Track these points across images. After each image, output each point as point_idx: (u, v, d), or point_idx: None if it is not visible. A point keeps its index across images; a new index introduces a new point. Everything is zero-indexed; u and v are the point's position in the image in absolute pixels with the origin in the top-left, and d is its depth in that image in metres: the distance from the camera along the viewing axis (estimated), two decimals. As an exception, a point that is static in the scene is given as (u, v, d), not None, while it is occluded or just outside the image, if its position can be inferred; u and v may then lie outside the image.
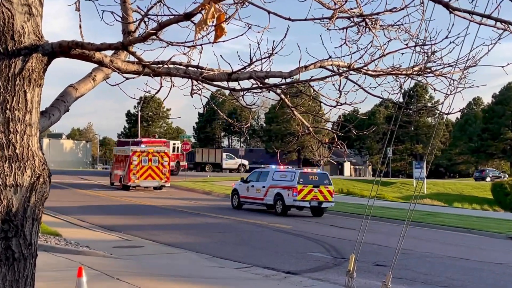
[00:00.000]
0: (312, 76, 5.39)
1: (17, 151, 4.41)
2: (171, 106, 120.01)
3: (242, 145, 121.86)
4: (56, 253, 15.08)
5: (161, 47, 5.15)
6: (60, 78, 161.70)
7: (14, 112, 4.41)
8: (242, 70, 5.24)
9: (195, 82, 5.36)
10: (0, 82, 4.36)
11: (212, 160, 76.97)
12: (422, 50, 6.15)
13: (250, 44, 5.15)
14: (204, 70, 5.12)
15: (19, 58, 4.43)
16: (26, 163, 4.45)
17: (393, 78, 6.20)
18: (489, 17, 4.92)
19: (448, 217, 32.92)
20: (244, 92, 5.43)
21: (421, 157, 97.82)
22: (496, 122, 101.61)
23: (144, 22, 4.47)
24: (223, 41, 4.62)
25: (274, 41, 5.12)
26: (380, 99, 6.39)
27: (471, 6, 5.17)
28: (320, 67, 5.77)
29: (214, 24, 4.41)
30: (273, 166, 33.76)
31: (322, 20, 5.29)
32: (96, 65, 5.17)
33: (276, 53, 5.15)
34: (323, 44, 5.74)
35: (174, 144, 65.89)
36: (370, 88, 5.93)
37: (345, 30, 5.58)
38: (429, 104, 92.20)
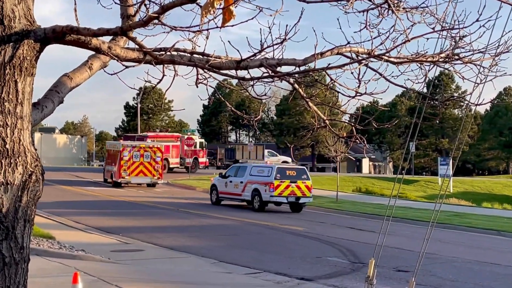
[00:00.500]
0: (328, 64, 5.36)
1: (7, 146, 4.41)
2: (173, 97, 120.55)
3: (251, 140, 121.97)
4: (49, 258, 15.15)
5: (164, 32, 5.14)
6: (54, 67, 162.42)
7: (4, 103, 4.41)
8: (252, 58, 5.22)
9: (200, 71, 5.35)
10: (-12, 71, 4.37)
11: (253, 157, 77.58)
12: (449, 35, 6.11)
13: (260, 29, 5.13)
14: (210, 58, 5.11)
15: (9, 45, 4.43)
16: (17, 160, 4.45)
17: (417, 65, 6.17)
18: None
19: (476, 218, 32.83)
20: (254, 82, 5.42)
21: (447, 153, 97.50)
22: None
23: (145, 5, 4.47)
24: (232, 26, 4.61)
25: (287, 25, 5.10)
26: (403, 89, 6.36)
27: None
28: (338, 54, 5.74)
29: (221, 6, 4.41)
30: (251, 161, 34.77)
31: (339, 2, 5.26)
32: (93, 53, 5.17)
33: (289, 38, 5.13)
34: (340, 28, 5.72)
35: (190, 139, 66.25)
36: (392, 76, 5.90)
37: (365, 13, 5.55)
38: (455, 95, 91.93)
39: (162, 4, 4.38)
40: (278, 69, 5.39)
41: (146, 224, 24.79)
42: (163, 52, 4.87)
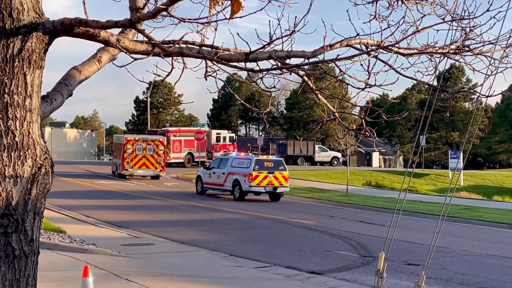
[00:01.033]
0: (338, 55, 5.34)
1: (16, 139, 4.42)
2: (183, 91, 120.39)
3: (260, 133, 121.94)
4: (60, 252, 15.21)
5: (172, 24, 5.13)
6: (63, 61, 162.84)
7: (13, 96, 4.41)
8: (261, 50, 5.21)
9: (209, 63, 5.34)
10: (-3, 64, 4.37)
11: (304, 153, 78.18)
12: (459, 26, 6.07)
13: (269, 21, 5.12)
14: (219, 50, 5.10)
15: (17, 38, 4.43)
16: (27, 152, 4.46)
17: (427, 57, 6.13)
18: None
19: (487, 211, 32.72)
20: (263, 74, 5.40)
21: (457, 146, 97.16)
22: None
23: (154, -3, 4.46)
24: (240, 17, 4.60)
25: (296, 17, 5.08)
26: (413, 82, 6.32)
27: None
28: (347, 45, 5.72)
29: (230, -2, 4.39)
30: (233, 153, 38.52)
31: (349, -7, 5.24)
32: (102, 45, 5.16)
33: (298, 30, 5.12)
34: (350, 20, 5.70)
35: (218, 134, 66.66)
36: (402, 68, 5.87)
37: (374, 4, 5.53)
38: (466, 88, 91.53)
39: (171, -4, 4.36)
40: (287, 61, 5.37)
41: (156, 218, 24.86)
42: (172, 45, 4.86)
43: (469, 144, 57.35)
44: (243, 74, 74.80)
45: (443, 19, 5.90)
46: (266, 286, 13.08)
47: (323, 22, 5.48)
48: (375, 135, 6.81)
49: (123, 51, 4.83)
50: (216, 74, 5.52)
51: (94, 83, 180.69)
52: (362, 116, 6.73)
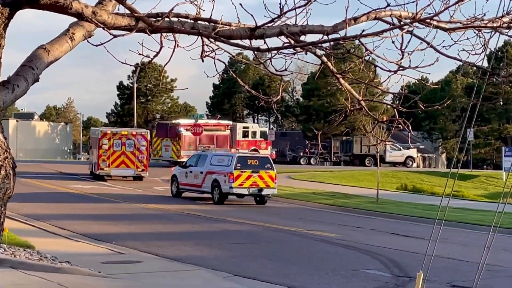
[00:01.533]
0: (363, 31, 5.29)
1: (-30, 134, 4.41)
2: (176, 75, 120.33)
3: (272, 127, 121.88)
4: (27, 271, 15.22)
5: (160, -7, 5.12)
6: (27, 39, 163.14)
7: (-35, 82, 4.41)
8: (269, 24, 5.19)
9: (206, 41, 5.32)
10: None
11: (373, 152, 78.78)
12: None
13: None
14: (218, 25, 5.08)
15: (-29, 11, 4.42)
16: (-17, 151, 4.45)
17: (475, 32, 6.10)
18: None
19: (550, 221, 32.57)
20: (273, 54, 5.37)
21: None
22: None
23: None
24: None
25: (312, -17, 5.06)
26: (458, 62, 6.29)
27: None
28: (375, 18, 5.70)
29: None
30: (213, 150, 39.41)
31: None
32: (75, 19, 5.15)
33: (315, 0, 5.10)
34: (378, -13, 5.67)
35: (245, 128, 66.93)
36: (443, 47, 5.84)
37: (408, -33, 5.49)
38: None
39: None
40: (302, 38, 5.35)
41: (144, 230, 24.89)
42: (160, 18, 4.84)
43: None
44: (249, 53, 74.80)
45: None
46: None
47: (346, -11, 5.46)
48: (410, 128, 6.79)
49: (100, 27, 4.82)
50: (215, 54, 5.51)
51: (68, 66, 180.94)
52: (394, 105, 6.70)
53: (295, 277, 16.71)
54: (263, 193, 35.00)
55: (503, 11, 6.07)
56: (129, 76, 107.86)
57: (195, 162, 37.64)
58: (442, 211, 9.49)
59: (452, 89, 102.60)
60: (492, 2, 6.06)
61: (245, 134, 65.39)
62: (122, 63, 5.53)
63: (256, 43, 5.30)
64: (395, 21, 5.71)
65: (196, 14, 5.26)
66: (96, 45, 4.99)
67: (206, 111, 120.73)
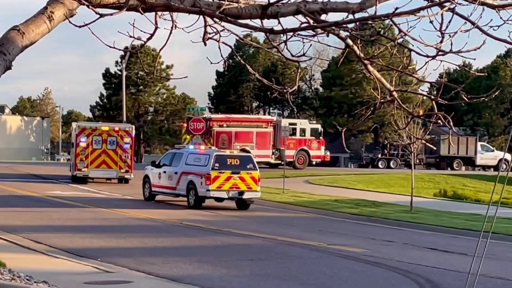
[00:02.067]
0: (396, 9, 5.26)
1: None
2: (173, 61, 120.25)
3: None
4: (-4, 293, 15.28)
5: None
6: (1, 19, 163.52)
7: None
8: (284, 1, 5.16)
9: (210, 21, 5.30)
10: None
11: (462, 153, 79.37)
12: None
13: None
14: (223, 1, 5.05)
15: None
16: None
17: (528, 10, 6.08)
18: None
19: None
20: (288, 36, 5.35)
21: None
22: None
23: None
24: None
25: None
26: (507, 45, 6.27)
27: None
28: (410, -6, 5.68)
29: None
30: (191, 147, 40.80)
31: None
32: (54, -4, 5.15)
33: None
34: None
35: (292, 124, 67.07)
36: (491, 27, 5.81)
37: None
38: None
39: None
40: (323, 17, 5.33)
41: (135, 244, 24.89)
42: (155, -6, 4.84)
43: None
44: (261, 36, 74.57)
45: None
46: None
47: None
48: (451, 123, 6.77)
49: (84, 4, 4.81)
50: (220, 36, 5.50)
51: (44, 51, 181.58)
52: (432, 97, 6.69)
53: (314, 300, 16.74)
54: (244, 196, 35.97)
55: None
56: (117, 63, 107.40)
57: (170, 161, 38.77)
58: (489, 221, 9.45)
59: (500, 77, 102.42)
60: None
61: (292, 132, 65.80)
62: (110, 47, 5.52)
63: (269, 23, 5.28)
64: (434, -3, 5.69)
65: (198, -11, 5.25)
66: (79, 26, 4.94)
67: (208, 104, 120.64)
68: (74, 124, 54.60)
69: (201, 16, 5.18)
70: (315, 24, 5.20)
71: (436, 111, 6.40)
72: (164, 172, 38.23)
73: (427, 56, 5.63)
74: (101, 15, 4.83)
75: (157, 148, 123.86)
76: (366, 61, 6.01)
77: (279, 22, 5.11)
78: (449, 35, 5.54)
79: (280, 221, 33.79)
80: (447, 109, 6.75)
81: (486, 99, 6.70)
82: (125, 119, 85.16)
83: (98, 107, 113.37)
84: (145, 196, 39.85)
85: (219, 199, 36.58)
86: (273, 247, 25.40)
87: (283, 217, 35.12)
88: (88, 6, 4.73)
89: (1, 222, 28.04)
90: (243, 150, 60.56)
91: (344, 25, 5.43)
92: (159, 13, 5.11)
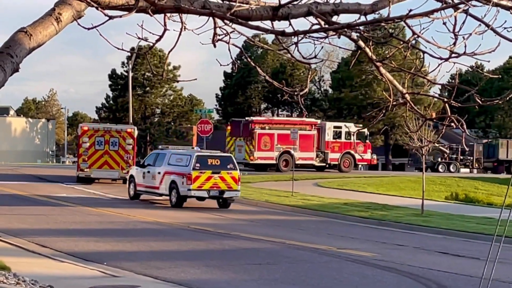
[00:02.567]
0: (410, 10, 5.27)
1: None
2: (180, 62, 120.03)
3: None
4: (2, 297, 15.29)
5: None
6: (5, 20, 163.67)
7: None
8: (295, 2, 5.16)
9: (219, 22, 5.31)
10: None
11: None
12: None
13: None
14: (233, 3, 5.07)
15: None
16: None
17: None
18: None
19: None
20: (299, 38, 5.36)
21: None
22: None
23: None
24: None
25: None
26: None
27: None
28: (423, -5, 5.68)
29: None
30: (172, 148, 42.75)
31: None
32: (62, -3, 5.15)
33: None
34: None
35: (337, 128, 68.03)
36: (505, 28, 5.82)
37: None
38: None
39: None
40: (334, 18, 5.34)
41: (141, 248, 24.90)
42: (165, -4, 4.85)
43: None
44: (270, 37, 74.68)
45: None
46: None
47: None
48: (464, 126, 6.77)
49: (93, 6, 4.81)
50: (230, 38, 5.51)
51: (50, 52, 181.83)
52: (445, 99, 6.68)
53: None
54: (224, 195, 37.82)
55: None
56: (123, 64, 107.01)
57: (153, 161, 40.51)
58: (502, 225, 9.44)
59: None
60: None
61: (336, 135, 66.18)
62: (118, 49, 5.50)
63: (279, 24, 5.28)
64: (447, -2, 5.69)
65: (207, -10, 5.26)
66: (88, 29, 4.93)
67: (216, 105, 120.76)
68: (80, 126, 55.93)
69: (211, 18, 5.17)
70: (327, 26, 5.20)
71: (448, 114, 6.39)
72: (148, 172, 39.92)
73: (441, 58, 5.62)
74: (111, 17, 4.83)
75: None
76: (378, 63, 6.00)
77: (290, 24, 5.11)
78: (463, 37, 5.53)
79: (289, 224, 33.78)
80: (459, 111, 6.71)
81: (500, 102, 6.68)
82: (131, 121, 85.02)
83: (104, 109, 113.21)
84: (130, 195, 41.37)
85: (201, 198, 38.24)
86: (282, 251, 25.39)
87: (292, 221, 35.10)
88: (97, 8, 4.72)
89: (5, 226, 28.06)
90: (286, 152, 61.39)
91: (355, 27, 5.43)
92: (168, 14, 5.10)
